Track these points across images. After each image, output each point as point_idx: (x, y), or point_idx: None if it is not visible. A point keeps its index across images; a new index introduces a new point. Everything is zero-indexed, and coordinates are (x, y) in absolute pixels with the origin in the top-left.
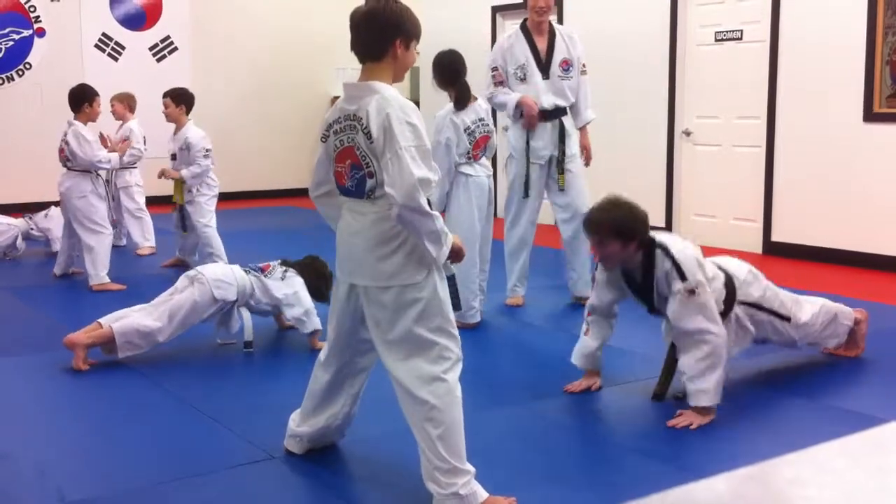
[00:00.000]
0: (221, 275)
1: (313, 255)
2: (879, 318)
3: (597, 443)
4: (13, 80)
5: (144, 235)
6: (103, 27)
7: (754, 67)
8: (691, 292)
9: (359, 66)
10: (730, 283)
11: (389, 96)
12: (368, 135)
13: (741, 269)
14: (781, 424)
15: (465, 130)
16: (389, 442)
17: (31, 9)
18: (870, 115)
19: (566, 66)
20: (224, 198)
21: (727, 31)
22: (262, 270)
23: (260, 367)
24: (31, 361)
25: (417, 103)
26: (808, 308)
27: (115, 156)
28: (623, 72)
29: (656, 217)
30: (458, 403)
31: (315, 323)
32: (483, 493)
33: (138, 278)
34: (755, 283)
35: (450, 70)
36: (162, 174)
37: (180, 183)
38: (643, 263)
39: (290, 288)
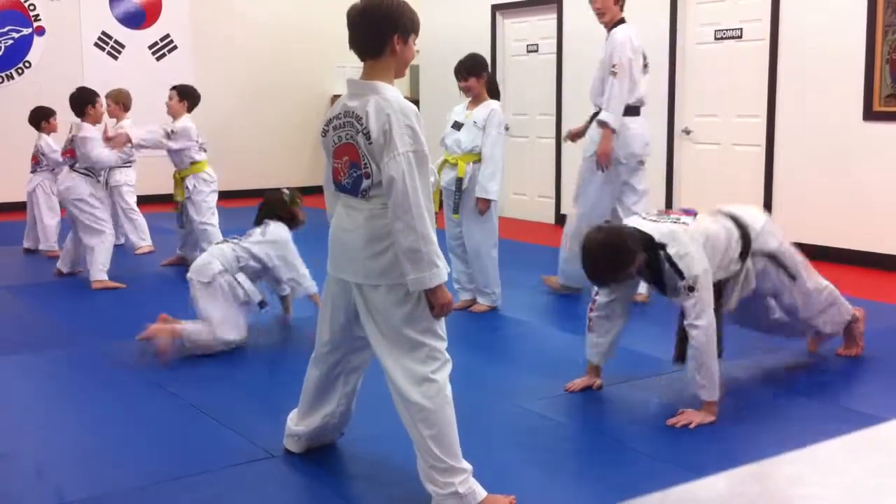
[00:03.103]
0: (198, 264)
1: (266, 196)
2: (879, 316)
3: (596, 441)
4: (12, 78)
5: (140, 235)
6: (103, 25)
7: (754, 66)
8: (690, 289)
9: (359, 64)
10: (745, 236)
11: (390, 97)
12: (367, 135)
13: (758, 220)
14: (782, 423)
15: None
16: (389, 441)
17: (31, 7)
18: (869, 114)
19: (601, 66)
20: (224, 196)
21: (727, 30)
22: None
23: (260, 367)
24: (30, 360)
25: (417, 103)
26: (816, 279)
27: (114, 156)
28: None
29: None
30: (449, 403)
31: (309, 286)
32: (482, 492)
33: (138, 277)
34: (772, 236)
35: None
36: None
37: (180, 181)
38: (649, 264)
39: (272, 247)
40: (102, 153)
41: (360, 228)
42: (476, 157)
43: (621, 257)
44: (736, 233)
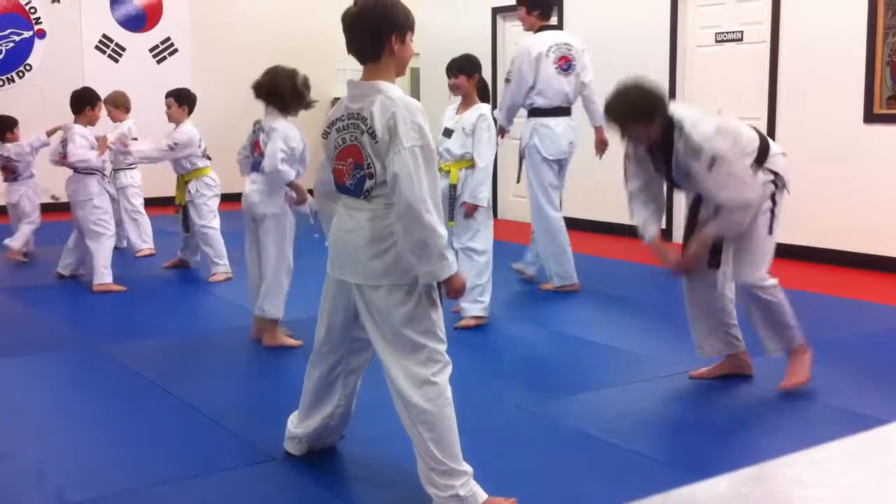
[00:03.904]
0: (253, 198)
1: (274, 70)
2: (881, 318)
3: (597, 443)
4: (13, 81)
5: (142, 237)
6: (104, 28)
7: (755, 69)
8: (711, 163)
9: (359, 66)
10: (764, 146)
11: (395, 96)
12: (373, 135)
13: (779, 148)
14: (782, 424)
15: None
16: (389, 443)
17: (32, 10)
18: (870, 117)
19: None
20: (224, 199)
21: (728, 33)
22: (261, 155)
23: (260, 367)
24: (31, 362)
25: None
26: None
27: (97, 160)
28: (623, 73)
29: None
30: (449, 405)
31: (282, 167)
32: (483, 494)
33: (139, 279)
34: (784, 168)
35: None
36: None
37: (182, 183)
38: (662, 139)
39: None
40: (86, 153)
41: (361, 229)
42: (468, 162)
43: (645, 105)
44: (756, 139)
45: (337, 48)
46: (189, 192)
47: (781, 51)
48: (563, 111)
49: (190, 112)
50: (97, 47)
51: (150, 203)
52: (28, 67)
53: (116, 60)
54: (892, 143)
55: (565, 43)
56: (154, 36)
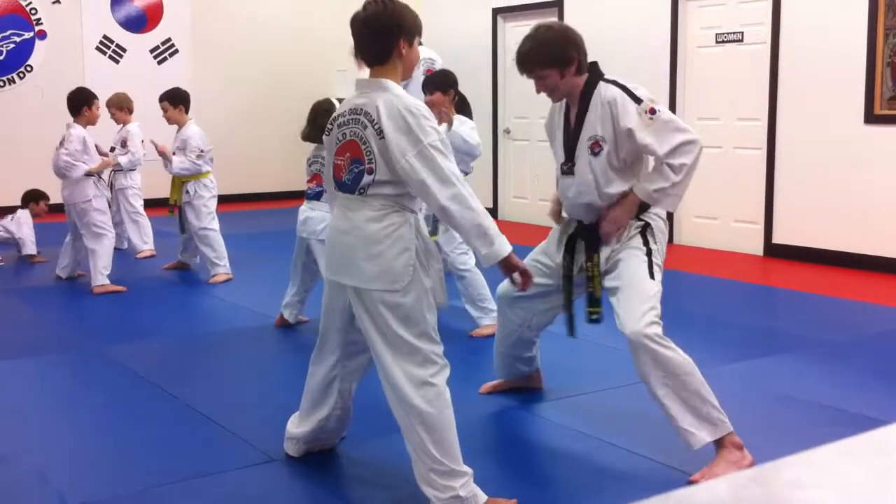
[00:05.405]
0: (314, 224)
1: (316, 105)
2: (881, 319)
3: (597, 445)
4: (14, 82)
5: (143, 238)
6: (104, 29)
7: (755, 69)
8: (652, 112)
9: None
10: None
11: (400, 94)
12: (380, 132)
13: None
14: (782, 426)
15: None
16: (390, 444)
17: (33, 11)
18: (871, 118)
19: None
20: (224, 200)
21: (728, 33)
22: (317, 190)
23: (260, 369)
24: (32, 364)
25: None
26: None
27: (80, 172)
28: (623, 74)
29: None
30: (448, 406)
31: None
32: (483, 496)
33: (139, 281)
34: (662, 224)
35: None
36: (157, 149)
37: (178, 183)
38: (582, 93)
39: None
40: (75, 165)
41: (357, 231)
42: None
43: (561, 46)
44: None
45: (337, 49)
46: (187, 192)
47: (782, 52)
48: None
49: (187, 110)
50: (98, 48)
51: (149, 204)
52: (29, 68)
53: (117, 61)
54: (893, 144)
55: (430, 58)
56: (155, 37)
